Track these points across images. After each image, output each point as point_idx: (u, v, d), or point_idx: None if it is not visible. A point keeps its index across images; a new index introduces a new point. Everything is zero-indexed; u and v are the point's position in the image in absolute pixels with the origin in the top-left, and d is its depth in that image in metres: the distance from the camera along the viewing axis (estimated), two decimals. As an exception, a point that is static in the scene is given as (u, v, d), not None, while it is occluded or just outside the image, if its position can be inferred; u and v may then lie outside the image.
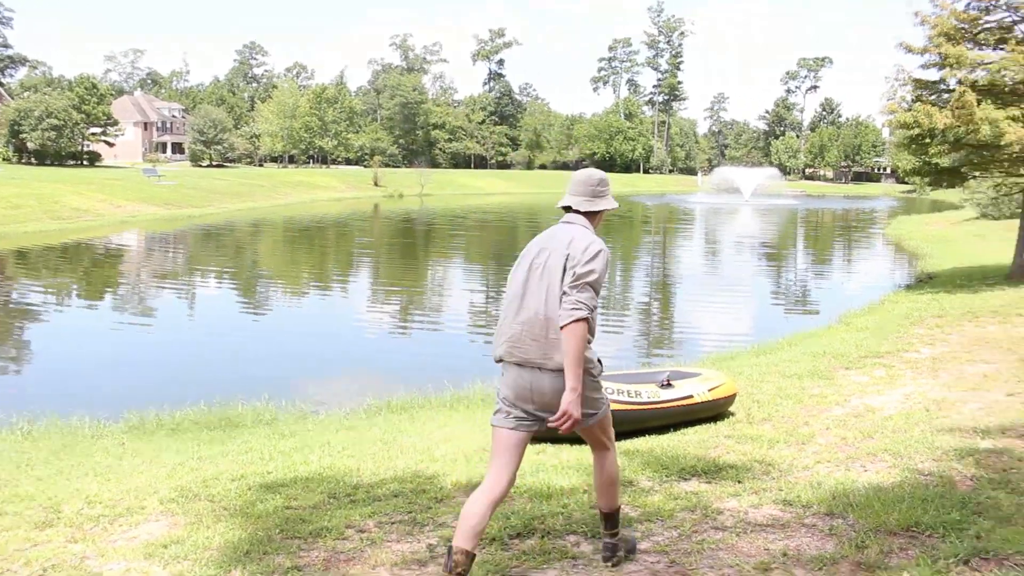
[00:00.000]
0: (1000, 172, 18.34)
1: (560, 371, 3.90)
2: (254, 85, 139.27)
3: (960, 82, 18.16)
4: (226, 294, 21.68)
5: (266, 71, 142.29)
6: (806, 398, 8.43)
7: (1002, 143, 16.13)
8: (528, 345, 3.99)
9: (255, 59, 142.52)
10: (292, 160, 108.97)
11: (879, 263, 30.62)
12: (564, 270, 3.98)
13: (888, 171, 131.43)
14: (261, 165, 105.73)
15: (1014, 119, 16.26)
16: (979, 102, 16.45)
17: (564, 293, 3.92)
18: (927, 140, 18.12)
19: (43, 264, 26.98)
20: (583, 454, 6.29)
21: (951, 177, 18.93)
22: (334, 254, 32.70)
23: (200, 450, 7.24)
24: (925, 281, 20.13)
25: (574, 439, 5.46)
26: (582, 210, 4.25)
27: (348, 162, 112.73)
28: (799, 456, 6.36)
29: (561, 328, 3.86)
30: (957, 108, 16.54)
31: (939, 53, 17.61)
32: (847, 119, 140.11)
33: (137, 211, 45.63)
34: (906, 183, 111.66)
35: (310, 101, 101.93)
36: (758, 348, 12.55)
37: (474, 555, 3.91)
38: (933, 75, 18.86)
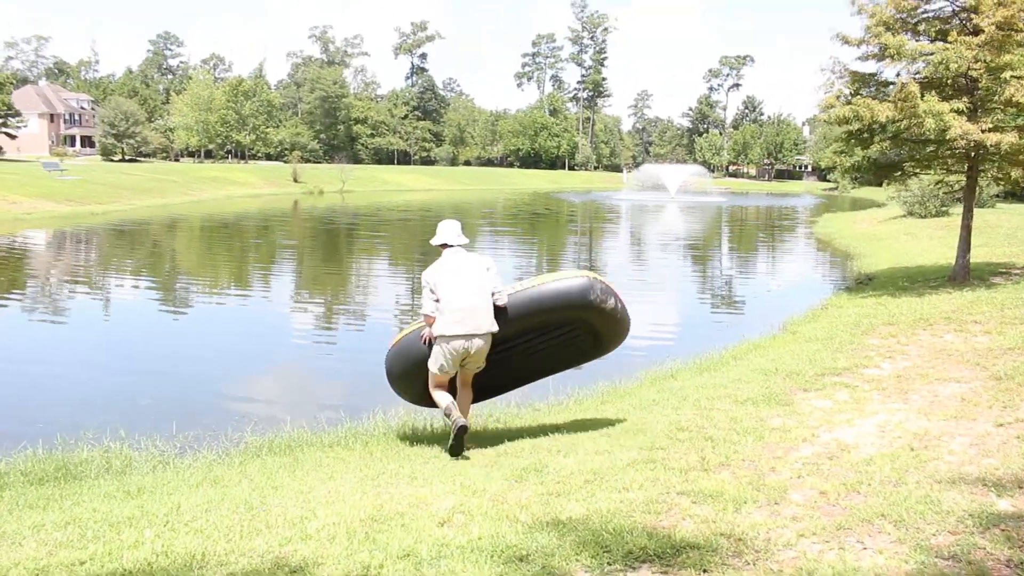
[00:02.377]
0: (943, 168, 17.49)
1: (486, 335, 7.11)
2: (169, 77, 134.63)
3: (899, 74, 17.30)
4: (120, 298, 19.64)
5: (182, 62, 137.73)
6: (767, 432, 7.12)
7: (947, 137, 15.19)
8: (469, 322, 7.04)
9: (170, 50, 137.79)
10: (210, 155, 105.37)
11: (812, 263, 29.90)
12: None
13: (809, 168, 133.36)
14: (177, 160, 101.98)
15: (959, 112, 15.34)
16: (922, 95, 15.51)
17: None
18: (867, 135, 17.19)
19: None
20: (497, 530, 4.86)
21: (891, 174, 18.01)
22: (239, 254, 30.65)
23: (5, 522, 5.57)
24: (865, 283, 19.23)
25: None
26: (461, 243, 7.55)
27: (268, 157, 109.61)
28: (774, 524, 5.00)
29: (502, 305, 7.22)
30: (900, 100, 15.57)
31: (878, 43, 16.64)
32: (769, 117, 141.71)
33: (34, 208, 42.81)
34: (828, 180, 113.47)
35: (226, 94, 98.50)
36: (700, 363, 11.26)
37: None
38: (871, 67, 17.93)
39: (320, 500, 5.73)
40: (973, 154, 16.09)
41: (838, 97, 17.09)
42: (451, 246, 7.39)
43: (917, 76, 16.19)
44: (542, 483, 5.88)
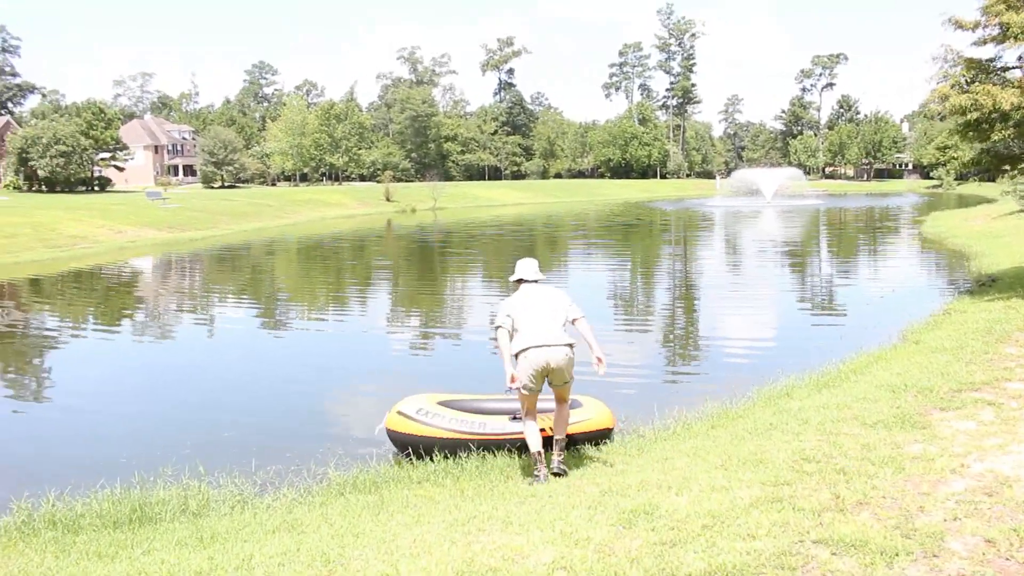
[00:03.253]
0: (1075, 157, 16.05)
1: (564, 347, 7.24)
2: (264, 104, 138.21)
3: (1022, 56, 15.98)
4: (212, 324, 19.62)
5: (276, 90, 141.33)
6: (906, 462, 6.23)
7: (1081, 123, 13.87)
8: (544, 335, 7.15)
9: (265, 78, 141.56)
10: (305, 179, 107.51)
11: (925, 265, 28.19)
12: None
13: (910, 166, 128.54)
14: (274, 185, 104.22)
15: (1093, 95, 14.01)
16: (1051, 78, 14.22)
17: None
18: (986, 125, 15.88)
19: (16, 294, 25.08)
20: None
21: (1014, 166, 16.63)
22: (335, 273, 30.65)
23: (73, 568, 5.14)
24: (988, 284, 17.80)
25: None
26: (538, 279, 7.69)
27: (361, 178, 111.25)
28: (939, 585, 4.19)
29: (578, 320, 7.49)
30: (1027, 85, 14.33)
31: (997, 23, 15.39)
32: (865, 116, 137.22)
33: (138, 236, 43.95)
34: (931, 178, 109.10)
35: (319, 117, 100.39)
36: (817, 379, 10.31)
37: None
38: (989, 51, 16.62)
39: (404, 551, 5.13)
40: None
41: (953, 86, 15.87)
42: (528, 281, 7.62)
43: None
44: (654, 529, 5.16)
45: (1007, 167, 16.81)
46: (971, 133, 16.17)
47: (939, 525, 5.00)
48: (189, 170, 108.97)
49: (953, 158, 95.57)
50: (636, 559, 4.70)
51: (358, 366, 14.12)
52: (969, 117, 15.47)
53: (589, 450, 8.18)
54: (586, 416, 8.36)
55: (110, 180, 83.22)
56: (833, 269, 28.25)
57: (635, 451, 7.89)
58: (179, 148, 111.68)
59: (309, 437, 9.48)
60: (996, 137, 15.28)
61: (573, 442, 8.02)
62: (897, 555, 4.55)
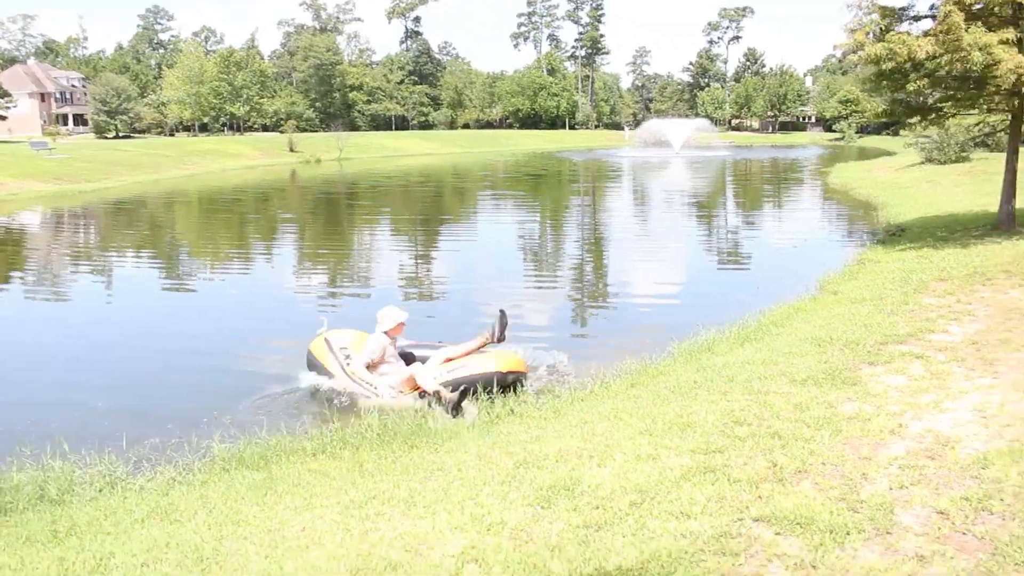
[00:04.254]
0: (986, 108, 16.00)
1: None
2: (160, 51, 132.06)
3: (933, 6, 15.83)
4: (99, 280, 18.32)
5: (172, 36, 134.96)
6: (843, 423, 5.82)
7: (996, 72, 13.72)
8: None
9: (160, 23, 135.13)
10: (205, 129, 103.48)
11: (832, 215, 28.38)
12: None
13: (813, 119, 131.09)
14: (172, 135, 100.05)
15: (1007, 43, 13.87)
16: (966, 26, 14.01)
17: None
18: (899, 75, 15.67)
19: None
20: None
21: (926, 116, 16.53)
22: (236, 227, 29.27)
23: None
24: (897, 234, 17.82)
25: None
26: None
27: (264, 128, 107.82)
28: (901, 571, 3.72)
29: None
30: (941, 33, 14.09)
31: (911, -30, 15.17)
32: (771, 69, 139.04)
33: (20, 188, 41.44)
34: (833, 131, 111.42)
35: (218, 65, 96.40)
36: (738, 332, 9.89)
37: None
38: (901, 1, 16.46)
39: (292, 542, 4.45)
40: (1022, 90, 14.60)
41: (867, 34, 15.61)
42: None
43: (958, 5, 14.63)
44: (576, 509, 4.59)
45: (918, 118, 16.70)
46: (885, 83, 15.95)
47: (886, 495, 4.57)
48: (80, 120, 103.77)
49: (855, 111, 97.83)
50: (557, 547, 4.13)
51: (255, 327, 13.15)
52: (884, 67, 15.21)
53: (501, 412, 7.60)
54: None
55: (-8, 130, 78.61)
56: (743, 220, 28.24)
57: (551, 414, 7.33)
58: (68, 96, 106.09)
59: (194, 405, 8.64)
60: (911, 87, 15.05)
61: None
62: (848, 533, 4.09)
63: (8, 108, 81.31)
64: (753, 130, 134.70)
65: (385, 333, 9.37)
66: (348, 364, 9.20)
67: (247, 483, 5.78)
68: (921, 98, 16.05)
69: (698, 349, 9.22)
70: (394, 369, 9.23)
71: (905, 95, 15.87)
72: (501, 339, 9.21)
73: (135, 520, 5.15)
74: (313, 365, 9.51)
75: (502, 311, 9.35)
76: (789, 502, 4.50)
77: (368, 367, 9.15)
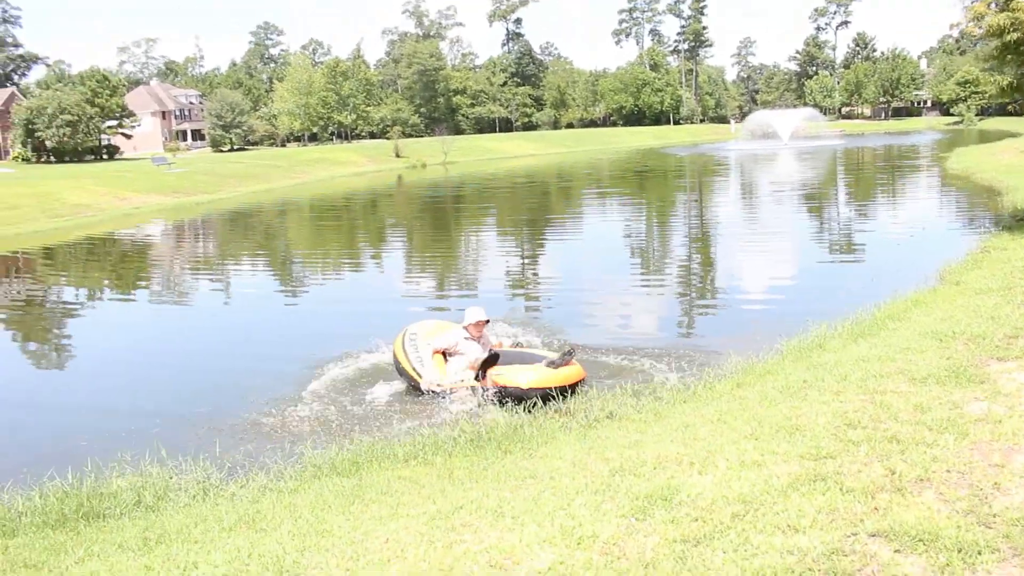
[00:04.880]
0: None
1: None
2: (271, 66, 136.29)
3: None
4: (208, 288, 18.82)
5: (282, 51, 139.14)
6: (969, 426, 5.30)
7: None
8: None
9: (270, 39, 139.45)
10: (314, 139, 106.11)
11: (953, 202, 26.92)
12: None
13: (929, 103, 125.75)
14: (283, 146, 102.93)
15: None
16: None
17: None
18: (1024, 47, 14.69)
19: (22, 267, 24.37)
20: None
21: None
22: (348, 233, 29.77)
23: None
24: (1025, 219, 16.69)
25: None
26: None
27: (371, 136, 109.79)
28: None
29: None
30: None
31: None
32: (882, 53, 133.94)
33: (143, 202, 43.14)
34: (951, 115, 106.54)
35: (325, 76, 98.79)
36: (851, 327, 9.31)
37: None
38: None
39: (373, 555, 4.27)
40: None
41: (989, 4, 14.67)
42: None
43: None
44: (673, 521, 4.27)
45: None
46: (1010, 56, 14.97)
47: (1023, 508, 4.09)
48: (198, 135, 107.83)
49: (975, 92, 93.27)
50: (652, 563, 3.81)
51: (359, 330, 13.13)
52: (1008, 38, 14.28)
53: (599, 416, 7.30)
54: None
55: (118, 148, 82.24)
56: (856, 210, 27.07)
57: (651, 416, 6.99)
58: (187, 113, 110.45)
59: (290, 409, 8.63)
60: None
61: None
62: (979, 552, 3.64)
63: (133, 127, 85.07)
64: (865, 117, 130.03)
65: (465, 328, 9.46)
66: (415, 349, 9.49)
67: (335, 490, 5.66)
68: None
69: (808, 346, 8.70)
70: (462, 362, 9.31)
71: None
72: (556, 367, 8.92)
73: (223, 528, 5.08)
74: (395, 362, 9.73)
75: (571, 350, 9.02)
76: (910, 515, 4.07)
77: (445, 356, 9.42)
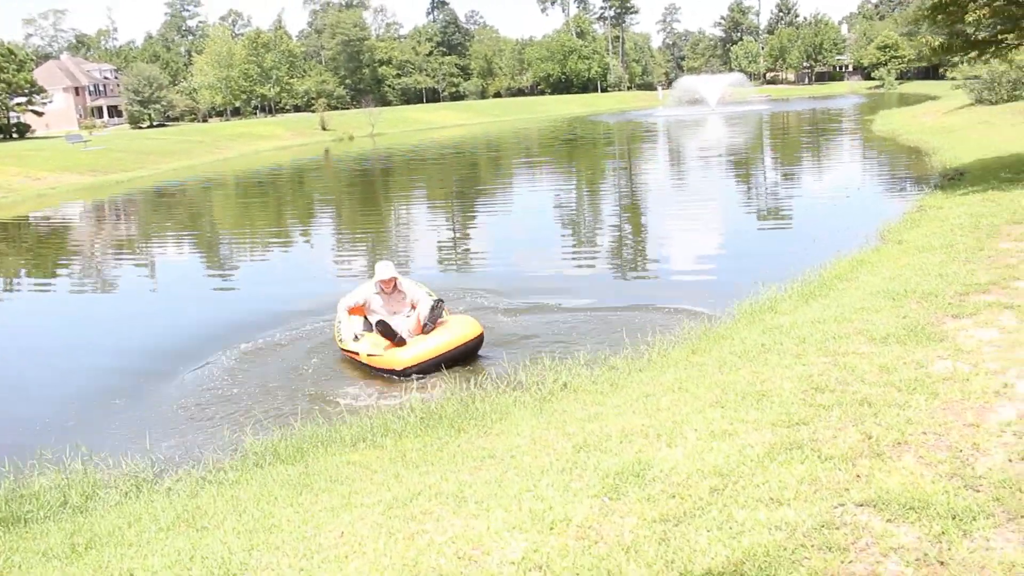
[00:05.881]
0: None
1: None
2: (189, 38, 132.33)
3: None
4: (128, 270, 18.09)
5: (200, 23, 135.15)
6: (938, 385, 5.17)
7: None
8: None
9: (187, 10, 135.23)
10: (237, 113, 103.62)
11: (882, 163, 27.28)
12: None
13: (851, 68, 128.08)
14: (205, 121, 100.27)
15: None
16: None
17: None
18: (956, 7, 14.75)
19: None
20: None
21: (986, 50, 15.55)
22: (275, 208, 28.98)
23: None
24: (956, 179, 16.88)
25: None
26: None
27: (296, 109, 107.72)
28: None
29: None
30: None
31: None
32: (804, 19, 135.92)
33: (58, 182, 41.50)
34: (872, 79, 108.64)
35: (246, 48, 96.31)
36: (801, 288, 9.21)
37: None
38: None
39: (328, 551, 3.94)
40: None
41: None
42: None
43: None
44: (649, 499, 4.03)
45: (977, 52, 15.74)
46: (940, 16, 15.03)
47: (1007, 469, 3.94)
48: (115, 111, 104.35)
49: (895, 56, 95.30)
50: (632, 547, 3.56)
51: (291, 309, 12.65)
52: (939, -1, 14.34)
53: (553, 388, 7.04)
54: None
55: (29, 126, 79.14)
56: (788, 174, 27.26)
57: (608, 387, 6.75)
58: (102, 88, 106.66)
59: (224, 396, 8.21)
60: (970, 18, 14.12)
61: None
62: (974, 519, 3.47)
63: (45, 104, 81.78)
64: (789, 82, 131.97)
65: (377, 283, 9.70)
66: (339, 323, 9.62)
67: (281, 480, 5.29)
68: (979, 30, 15.10)
69: (760, 309, 8.57)
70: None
71: (964, 26, 14.91)
72: (429, 330, 9.11)
73: (160, 528, 4.68)
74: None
75: (438, 301, 9.33)
76: (894, 481, 3.90)
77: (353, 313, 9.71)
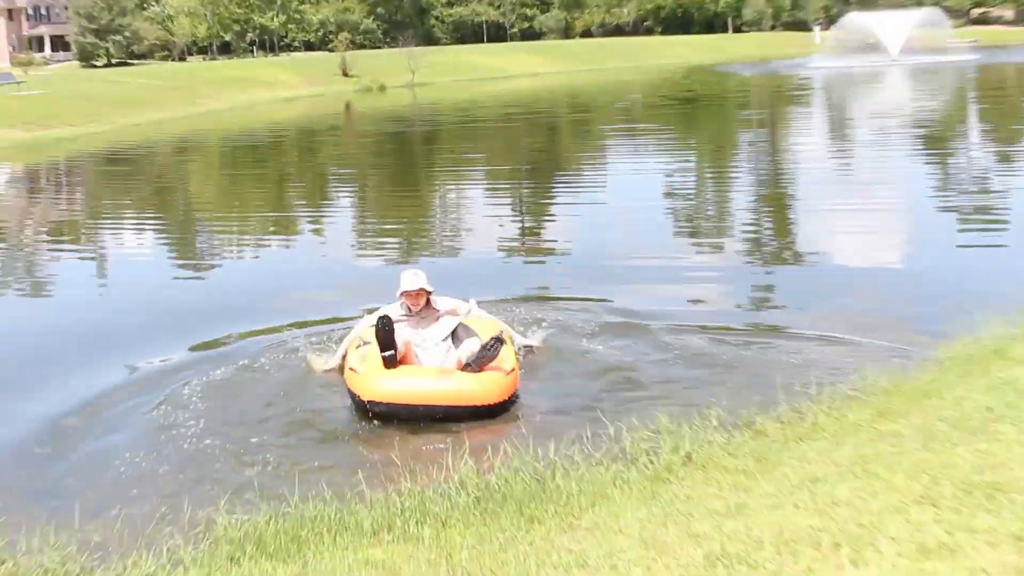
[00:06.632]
0: None
1: None
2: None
3: None
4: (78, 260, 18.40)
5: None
6: None
7: None
8: None
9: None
10: (228, 49, 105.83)
11: None
12: None
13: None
14: (182, 60, 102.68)
15: None
16: None
17: None
18: None
19: None
20: None
21: None
22: (273, 184, 29.34)
23: None
24: None
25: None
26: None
27: (309, 47, 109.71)
28: None
29: None
30: None
31: None
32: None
33: (-24, 137, 42.58)
34: None
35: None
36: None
37: None
38: None
39: None
40: None
41: None
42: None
43: None
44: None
45: None
46: None
47: None
48: (60, 43, 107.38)
49: None
50: None
51: (291, 321, 12.63)
52: None
53: (668, 458, 6.72)
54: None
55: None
56: (1005, 155, 26.70)
57: (754, 463, 6.40)
58: (43, 13, 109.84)
59: (191, 448, 8.13)
60: None
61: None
62: None
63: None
64: (1006, 23, 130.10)
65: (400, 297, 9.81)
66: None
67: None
68: None
69: (981, 353, 8.15)
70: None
71: None
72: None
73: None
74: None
75: (494, 341, 8.97)
76: None
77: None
